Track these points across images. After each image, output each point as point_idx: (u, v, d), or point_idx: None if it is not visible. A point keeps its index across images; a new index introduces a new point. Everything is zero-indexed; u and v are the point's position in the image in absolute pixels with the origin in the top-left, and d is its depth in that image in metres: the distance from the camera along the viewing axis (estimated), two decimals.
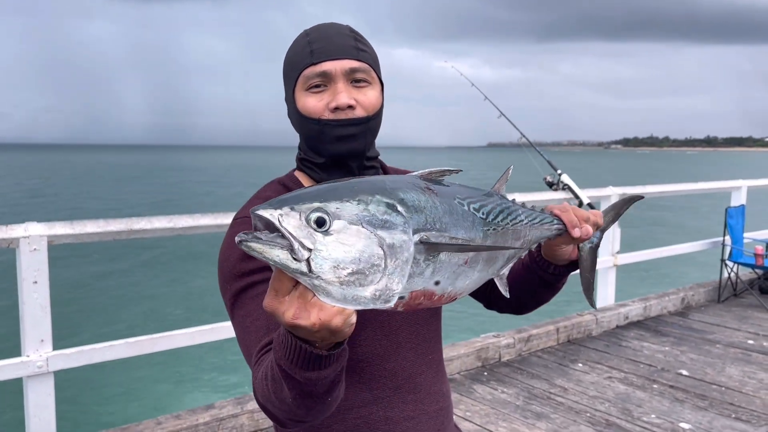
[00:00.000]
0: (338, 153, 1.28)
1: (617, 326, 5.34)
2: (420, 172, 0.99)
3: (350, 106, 1.24)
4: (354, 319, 0.84)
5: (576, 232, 1.24)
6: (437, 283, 0.90)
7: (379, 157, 1.42)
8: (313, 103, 1.25)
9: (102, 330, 8.11)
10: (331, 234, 0.78)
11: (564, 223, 1.24)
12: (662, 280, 10.41)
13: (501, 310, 1.54)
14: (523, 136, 5.75)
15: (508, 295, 1.16)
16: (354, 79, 1.25)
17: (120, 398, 6.31)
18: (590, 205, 5.11)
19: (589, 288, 1.40)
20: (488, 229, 1.01)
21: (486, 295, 1.52)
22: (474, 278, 0.99)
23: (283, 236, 0.77)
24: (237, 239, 0.75)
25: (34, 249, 2.83)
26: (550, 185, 5.36)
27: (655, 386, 4.07)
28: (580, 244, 1.36)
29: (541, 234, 1.21)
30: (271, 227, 0.78)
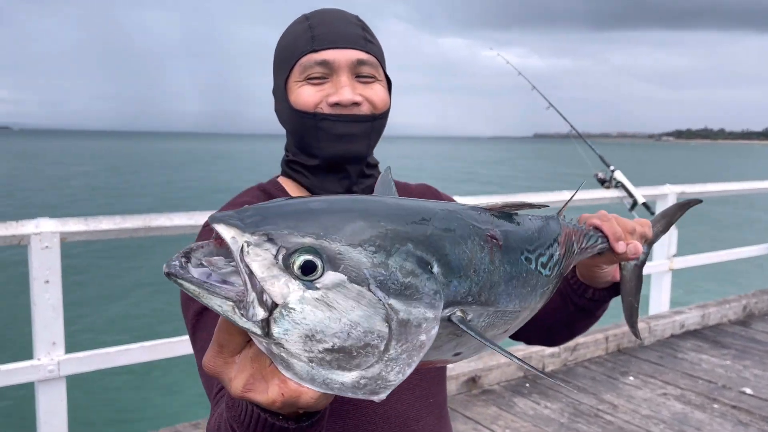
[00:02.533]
0: (336, 154, 1.08)
1: (672, 335, 4.96)
2: (489, 203, 0.71)
3: (355, 103, 1.06)
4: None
5: (620, 247, 0.99)
6: (457, 354, 0.68)
7: (379, 165, 1.20)
8: (309, 94, 1.06)
9: (117, 333, 8.10)
10: (317, 288, 0.54)
11: (606, 237, 0.99)
12: (722, 286, 9.85)
13: (529, 342, 1.30)
14: (573, 129, 5.41)
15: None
16: (360, 74, 1.08)
17: (135, 405, 6.24)
18: (645, 205, 4.75)
19: (632, 315, 1.13)
20: (548, 288, 0.79)
21: None
22: (506, 336, 0.78)
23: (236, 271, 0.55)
24: (165, 269, 0.54)
25: (46, 246, 2.67)
26: (602, 182, 5.02)
27: (715, 406, 3.71)
28: (622, 263, 1.11)
29: (582, 257, 0.97)
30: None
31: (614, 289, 1.14)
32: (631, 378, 4.11)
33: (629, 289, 1.12)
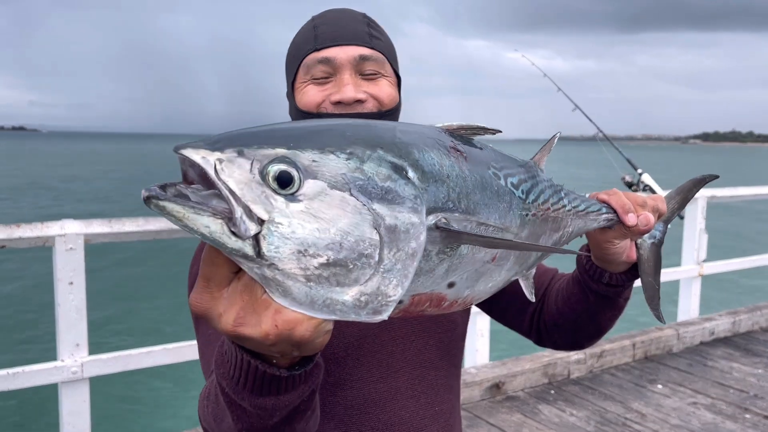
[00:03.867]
0: None
1: (702, 343, 4.84)
2: (445, 124, 0.71)
3: (359, 101, 1.02)
4: (331, 325, 0.58)
5: (630, 219, 0.95)
6: (451, 285, 0.65)
7: None
8: (312, 94, 1.04)
9: (140, 335, 8.16)
10: (300, 200, 0.52)
11: (613, 209, 0.96)
12: (753, 292, 9.63)
13: (556, 346, 1.24)
14: (600, 131, 5.33)
15: (533, 299, 0.90)
16: (364, 70, 1.04)
17: (158, 407, 6.27)
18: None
19: (653, 297, 1.07)
20: (527, 214, 0.76)
21: (534, 326, 1.23)
22: (500, 279, 0.75)
23: (220, 195, 0.52)
24: (144, 193, 0.50)
25: (70, 248, 2.69)
26: (629, 185, 4.93)
27: (747, 416, 3.60)
28: (639, 240, 1.05)
29: (585, 225, 0.94)
30: (207, 180, 0.52)
31: (632, 272, 1.07)
32: (660, 386, 4.01)
33: (647, 268, 1.06)
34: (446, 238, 0.60)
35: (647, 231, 0.97)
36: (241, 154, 0.52)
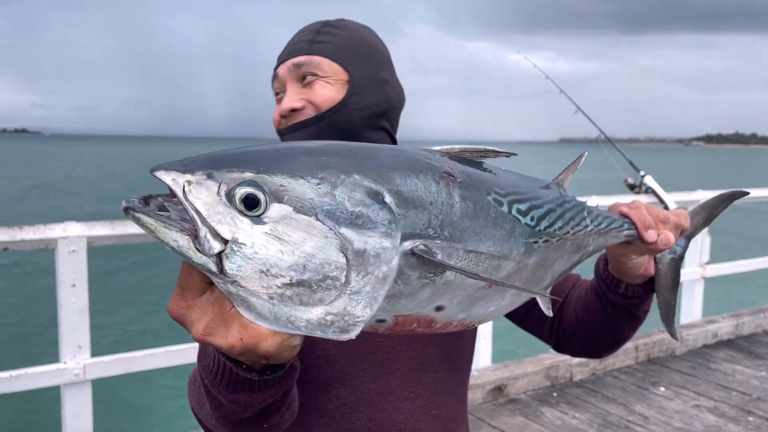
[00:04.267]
0: None
1: (704, 345, 4.83)
2: (445, 147, 0.70)
3: (295, 109, 1.06)
4: (299, 339, 0.60)
5: (650, 236, 0.93)
6: (440, 308, 0.65)
7: None
8: (275, 113, 1.11)
9: (142, 337, 8.17)
10: (265, 222, 0.54)
11: (634, 224, 0.95)
12: (757, 294, 9.60)
13: (575, 353, 1.23)
14: (602, 133, 5.33)
15: (550, 314, 0.89)
16: (303, 78, 1.07)
17: (161, 410, 6.27)
18: None
19: (668, 314, 1.06)
20: (536, 242, 0.74)
21: (553, 333, 1.22)
22: (504, 303, 0.75)
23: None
24: (124, 204, 0.54)
25: (73, 250, 2.69)
26: (632, 188, 4.93)
27: (750, 419, 3.59)
28: (657, 256, 1.04)
29: (605, 242, 0.93)
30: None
31: (651, 285, 1.06)
32: (662, 389, 4.00)
33: (664, 284, 1.05)
34: (425, 263, 0.60)
35: (665, 249, 0.96)
36: (210, 176, 0.55)
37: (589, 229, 0.87)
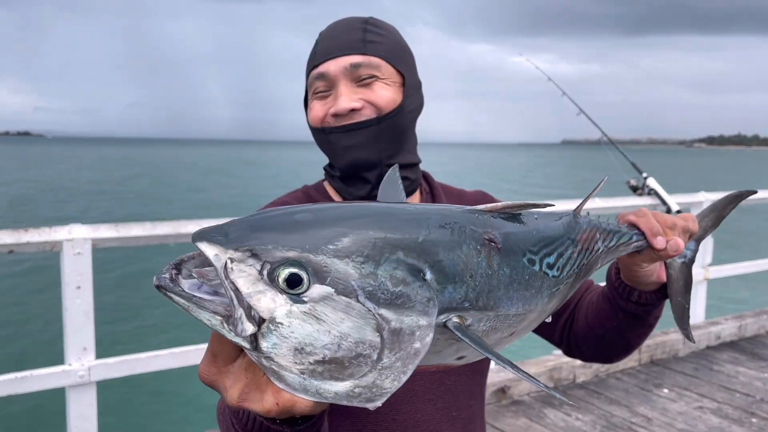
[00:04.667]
0: (346, 165, 1.09)
1: (708, 347, 4.83)
2: (490, 206, 0.68)
3: (354, 110, 1.05)
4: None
5: (659, 242, 0.94)
6: (461, 358, 0.67)
7: (420, 166, 1.19)
8: (316, 110, 1.09)
9: (148, 338, 8.19)
10: (304, 302, 0.53)
11: (642, 233, 0.95)
12: (760, 296, 9.59)
13: (585, 358, 1.24)
14: (605, 135, 5.33)
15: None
16: (359, 77, 1.06)
17: (165, 412, 6.28)
18: (680, 213, 4.65)
19: (683, 318, 1.06)
20: (558, 288, 0.75)
21: (564, 338, 1.23)
22: (515, 339, 0.75)
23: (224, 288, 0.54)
24: (155, 281, 0.54)
25: (78, 253, 2.70)
26: (634, 189, 4.93)
27: (753, 420, 3.59)
28: (668, 261, 1.05)
29: (614, 256, 0.93)
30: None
31: (663, 291, 1.07)
32: (666, 390, 4.00)
33: (677, 288, 1.06)
34: (456, 329, 0.61)
35: (675, 255, 0.96)
36: (253, 254, 0.54)
37: (600, 250, 0.87)
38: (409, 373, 0.56)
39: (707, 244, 5.13)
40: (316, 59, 1.08)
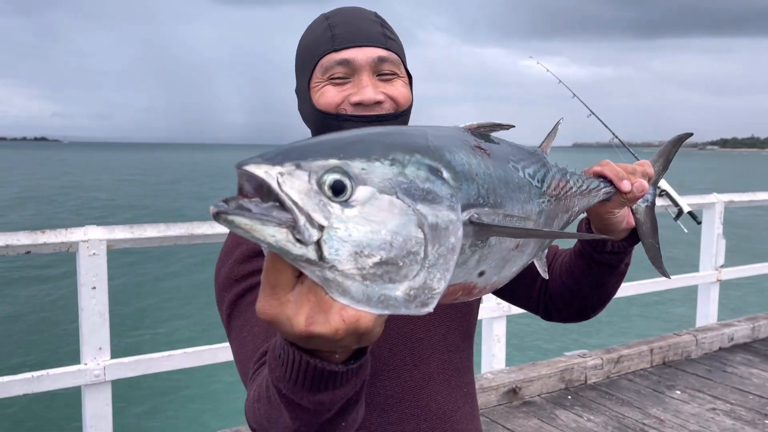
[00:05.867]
0: None
1: (720, 348, 4.80)
2: (466, 124, 0.78)
3: (377, 102, 1.05)
4: (386, 316, 0.61)
5: (626, 185, 1.02)
6: (482, 273, 0.71)
7: None
8: (331, 95, 1.06)
9: (161, 338, 8.24)
10: (353, 206, 0.56)
11: (609, 180, 1.04)
12: None
13: (564, 319, 1.28)
14: (615, 137, 5.31)
15: (547, 276, 1.01)
16: (381, 72, 1.06)
17: (178, 411, 6.32)
18: (692, 214, 4.63)
19: (656, 256, 1.16)
20: (543, 201, 0.83)
21: (541, 302, 1.28)
22: (521, 263, 0.83)
23: (281, 206, 0.55)
24: (213, 209, 0.53)
25: (93, 253, 2.74)
26: None
27: (767, 422, 3.57)
28: (634, 207, 1.14)
29: (588, 202, 1.01)
30: (264, 191, 0.56)
31: (632, 236, 1.15)
32: (678, 392, 3.99)
33: (646, 231, 1.15)
34: (478, 231, 0.66)
35: (642, 196, 1.04)
36: (298, 167, 0.56)
37: (573, 189, 0.95)
38: (451, 270, 0.60)
39: (720, 246, 5.10)
40: (336, 43, 1.05)
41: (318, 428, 0.71)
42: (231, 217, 0.53)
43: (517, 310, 4.12)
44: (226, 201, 0.55)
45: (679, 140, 1.24)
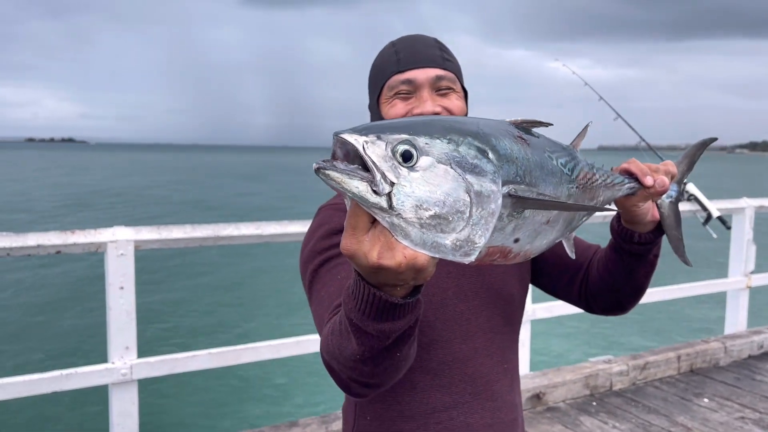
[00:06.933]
0: None
1: (750, 356, 4.71)
2: (512, 119, 0.96)
3: (435, 114, 1.23)
4: (436, 260, 0.79)
5: (648, 180, 1.16)
6: (516, 240, 0.86)
7: None
8: (398, 108, 1.26)
9: (186, 339, 8.34)
10: (417, 170, 0.74)
11: (634, 175, 1.17)
12: None
13: (603, 311, 1.42)
14: (642, 139, 5.24)
15: (574, 256, 1.14)
16: (439, 88, 1.26)
17: (202, 410, 6.37)
18: (721, 219, 4.55)
19: (678, 246, 1.30)
20: (572, 187, 0.99)
21: (582, 295, 1.42)
22: (551, 238, 0.98)
23: (363, 168, 0.73)
24: (315, 165, 0.71)
25: (121, 254, 2.79)
26: None
27: None
28: (659, 201, 1.27)
29: (612, 194, 1.15)
30: (351, 156, 0.74)
31: (659, 229, 1.26)
32: (706, 400, 3.92)
33: (669, 223, 1.28)
34: (515, 203, 0.82)
35: (664, 191, 1.16)
36: (379, 137, 0.74)
37: (599, 182, 1.09)
38: (490, 230, 0.77)
39: (750, 252, 5.01)
40: (401, 66, 1.26)
41: (378, 354, 0.88)
42: (328, 171, 0.71)
43: (541, 314, 4.09)
44: (324, 161, 0.72)
45: (704, 144, 1.36)
